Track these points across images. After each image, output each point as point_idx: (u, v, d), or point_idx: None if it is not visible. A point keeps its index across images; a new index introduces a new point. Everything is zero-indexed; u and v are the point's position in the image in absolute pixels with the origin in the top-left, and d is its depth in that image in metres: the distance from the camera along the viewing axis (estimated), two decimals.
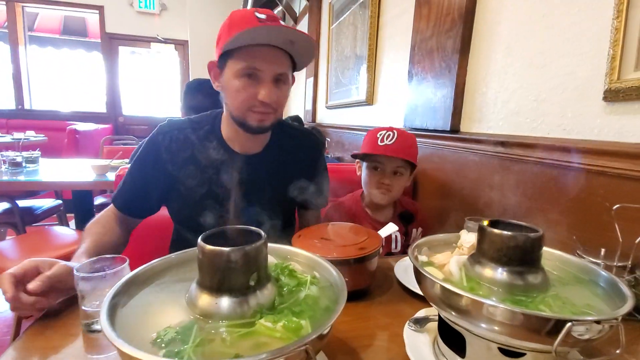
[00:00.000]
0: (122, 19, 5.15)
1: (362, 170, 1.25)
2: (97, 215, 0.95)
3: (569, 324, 0.38)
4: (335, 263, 0.71)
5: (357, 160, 1.28)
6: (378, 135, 1.16)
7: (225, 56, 0.83)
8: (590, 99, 0.90)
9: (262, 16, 0.78)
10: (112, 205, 0.97)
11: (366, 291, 0.80)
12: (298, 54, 0.85)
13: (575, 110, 0.94)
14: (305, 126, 3.24)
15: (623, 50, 0.80)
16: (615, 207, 0.74)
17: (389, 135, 1.14)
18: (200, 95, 1.60)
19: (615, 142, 0.84)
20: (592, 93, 0.89)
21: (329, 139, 3.11)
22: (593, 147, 0.85)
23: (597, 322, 0.39)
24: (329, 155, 2.88)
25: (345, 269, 0.73)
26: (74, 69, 5.77)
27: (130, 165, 0.96)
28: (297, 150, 1.03)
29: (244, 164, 0.95)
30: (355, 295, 0.77)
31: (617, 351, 0.41)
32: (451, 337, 0.52)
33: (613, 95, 0.82)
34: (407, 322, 0.63)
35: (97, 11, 5.06)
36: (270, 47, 0.81)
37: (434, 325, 0.59)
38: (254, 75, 0.82)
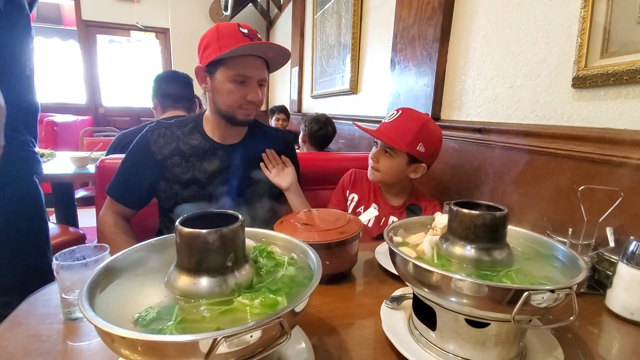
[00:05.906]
0: (99, 6, 4.97)
1: None
2: (102, 221, 1.08)
3: (526, 293, 0.41)
4: (316, 247, 0.73)
5: None
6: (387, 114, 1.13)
7: (214, 63, 0.98)
8: (560, 85, 0.93)
9: (245, 30, 0.97)
10: (107, 205, 1.09)
11: (348, 274, 0.83)
12: (275, 62, 1.06)
13: (547, 96, 0.97)
14: (291, 115, 3.23)
15: (590, 39, 0.83)
16: (580, 188, 0.79)
17: (392, 114, 1.10)
18: (177, 84, 1.69)
19: (583, 127, 0.88)
20: (562, 80, 0.92)
21: None
22: (562, 132, 0.89)
23: (552, 290, 0.42)
24: None
25: (326, 252, 0.75)
26: (50, 58, 5.55)
27: (122, 159, 1.09)
28: (270, 143, 1.19)
29: (224, 151, 1.10)
30: (338, 278, 0.80)
31: (571, 318, 0.44)
32: (423, 312, 0.54)
33: (581, 82, 0.86)
34: (385, 300, 0.66)
35: None
36: (255, 57, 1.00)
37: (409, 303, 0.62)
38: (243, 80, 1.00)
